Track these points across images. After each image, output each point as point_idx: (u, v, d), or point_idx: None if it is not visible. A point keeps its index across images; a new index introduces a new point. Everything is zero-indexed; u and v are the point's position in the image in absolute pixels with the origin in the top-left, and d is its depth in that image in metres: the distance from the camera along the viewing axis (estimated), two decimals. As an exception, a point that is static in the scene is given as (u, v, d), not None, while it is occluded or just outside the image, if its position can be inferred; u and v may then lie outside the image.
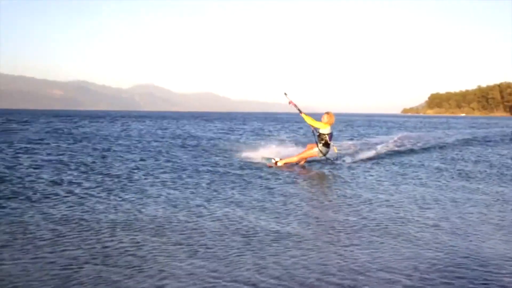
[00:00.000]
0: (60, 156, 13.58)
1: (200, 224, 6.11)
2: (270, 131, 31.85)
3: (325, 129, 12.02)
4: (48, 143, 18.31)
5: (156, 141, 20.57)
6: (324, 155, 12.24)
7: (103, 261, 4.59)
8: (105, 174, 10.11)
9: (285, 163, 12.08)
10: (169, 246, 5.11)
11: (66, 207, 6.92)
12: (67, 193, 8.04)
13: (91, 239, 5.34)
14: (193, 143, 19.31)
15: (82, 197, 7.67)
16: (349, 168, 11.88)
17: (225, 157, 13.92)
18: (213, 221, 6.29)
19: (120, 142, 19.68)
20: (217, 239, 5.43)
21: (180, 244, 5.18)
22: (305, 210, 7.10)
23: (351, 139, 23.53)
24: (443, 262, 4.74)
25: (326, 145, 12.10)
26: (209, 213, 6.71)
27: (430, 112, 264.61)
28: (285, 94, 12.42)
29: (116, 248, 5.02)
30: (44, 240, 5.27)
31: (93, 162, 12.18)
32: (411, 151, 16.80)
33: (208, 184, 9.20)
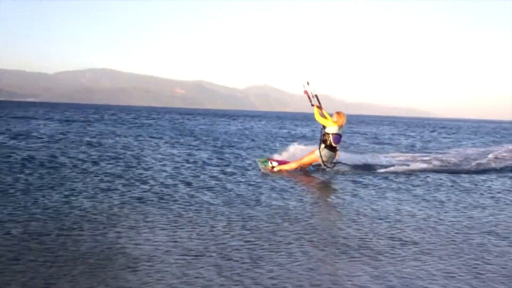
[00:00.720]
0: (181, 151, 14.40)
1: (311, 223, 6.05)
2: (383, 134, 30.79)
3: (331, 127, 10.35)
4: (171, 138, 19.53)
5: (269, 140, 20.92)
6: (326, 161, 10.45)
7: (219, 254, 4.72)
8: (220, 170, 10.47)
9: (280, 170, 10.66)
10: (282, 244, 5.12)
11: (183, 200, 7.26)
12: (185, 185, 8.47)
13: (206, 232, 5.53)
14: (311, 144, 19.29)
15: (198, 191, 8.00)
16: (470, 177, 11.04)
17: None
18: (324, 221, 6.20)
19: (235, 139, 20.33)
20: (329, 240, 5.34)
21: (294, 243, 5.16)
22: (418, 217, 6.71)
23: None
24: None
25: (330, 148, 10.36)
26: (319, 213, 6.64)
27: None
28: (308, 83, 10.84)
29: (231, 243, 5.13)
30: (165, 230, 5.57)
31: (210, 158, 12.69)
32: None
33: (319, 184, 9.13)
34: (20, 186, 7.67)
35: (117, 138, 18.48)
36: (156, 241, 5.04)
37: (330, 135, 10.36)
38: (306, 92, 10.88)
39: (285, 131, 30.74)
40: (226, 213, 6.46)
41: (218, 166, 11.19)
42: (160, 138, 19.65)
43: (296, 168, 10.79)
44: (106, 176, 9.06)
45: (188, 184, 8.62)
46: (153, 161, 11.54)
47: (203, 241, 5.13)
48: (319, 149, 10.50)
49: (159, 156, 12.83)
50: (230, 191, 8.09)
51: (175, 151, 14.22)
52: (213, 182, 8.89)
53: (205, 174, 9.86)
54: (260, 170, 10.70)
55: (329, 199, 7.66)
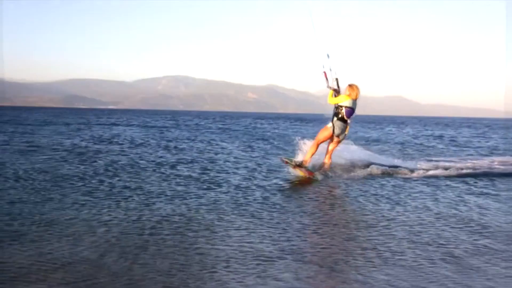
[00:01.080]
0: (253, 155, 14.59)
1: (389, 229, 5.88)
2: (461, 136, 29.28)
3: (345, 101, 9.92)
4: (243, 142, 19.84)
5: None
6: (339, 135, 10.02)
7: (293, 258, 4.71)
8: (293, 174, 10.44)
9: (305, 167, 9.93)
10: (358, 250, 5.02)
11: (256, 202, 7.32)
12: (258, 188, 8.54)
13: (279, 235, 5.55)
14: (380, 147, 18.83)
15: (271, 194, 8.05)
16: None
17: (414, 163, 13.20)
18: (402, 226, 6.01)
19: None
20: (407, 246, 5.16)
21: (370, 249, 5.05)
22: (502, 222, 6.31)
23: None
24: None
25: (342, 120, 9.98)
26: (396, 217, 6.44)
27: None
28: (328, 56, 10.16)
29: (305, 247, 5.12)
30: (237, 230, 5.66)
31: (281, 166, 12.69)
32: None
33: (394, 187, 8.87)
34: (105, 189, 8.12)
35: (192, 143, 19.05)
36: (232, 243, 5.12)
37: (343, 108, 9.96)
38: (324, 73, 10.23)
39: (360, 134, 30.15)
40: (299, 217, 6.44)
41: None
42: (233, 142, 20.02)
43: (317, 148, 10.16)
44: (183, 179, 9.36)
45: (261, 187, 8.69)
46: (227, 165, 11.76)
47: (277, 244, 5.15)
48: (332, 122, 10.08)
49: (232, 159, 13.06)
50: (303, 194, 8.07)
51: (247, 155, 14.42)
52: (286, 186, 8.91)
53: (278, 177, 9.90)
54: (288, 165, 10.16)
55: (405, 203, 7.41)
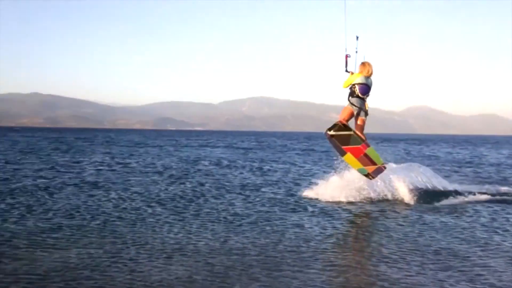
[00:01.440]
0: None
1: (486, 260, 5.52)
2: None
3: (358, 79, 9.63)
4: (326, 164, 19.66)
5: (434, 166, 19.73)
6: (359, 111, 9.72)
7: (380, 285, 4.58)
8: (377, 199, 10.17)
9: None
10: (450, 280, 4.76)
11: (342, 226, 7.22)
12: (344, 211, 8.43)
13: (366, 261, 5.42)
14: (473, 170, 17.80)
15: (356, 217, 7.89)
16: None
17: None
18: (502, 257, 5.62)
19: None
20: (507, 279, 4.80)
21: (465, 281, 4.75)
22: None
23: None
24: None
25: (358, 97, 9.70)
26: (495, 247, 6.04)
27: None
28: (357, 38, 9.87)
29: (393, 275, 4.95)
30: (323, 253, 5.61)
31: (368, 187, 12.40)
32: None
33: (489, 214, 8.33)
34: (193, 210, 8.41)
35: (276, 164, 19.22)
36: (317, 267, 5.09)
37: (357, 86, 9.70)
38: (346, 56, 9.94)
39: (451, 156, 28.72)
40: (386, 242, 6.25)
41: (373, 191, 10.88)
42: (317, 163, 19.92)
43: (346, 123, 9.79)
44: (267, 201, 9.47)
45: (346, 210, 8.58)
46: (311, 187, 11.69)
47: (364, 270, 5.04)
48: (348, 100, 9.84)
49: (317, 181, 12.96)
50: (389, 219, 7.83)
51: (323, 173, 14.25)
52: (372, 209, 8.70)
53: (362, 202, 9.66)
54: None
55: (504, 231, 6.93)
